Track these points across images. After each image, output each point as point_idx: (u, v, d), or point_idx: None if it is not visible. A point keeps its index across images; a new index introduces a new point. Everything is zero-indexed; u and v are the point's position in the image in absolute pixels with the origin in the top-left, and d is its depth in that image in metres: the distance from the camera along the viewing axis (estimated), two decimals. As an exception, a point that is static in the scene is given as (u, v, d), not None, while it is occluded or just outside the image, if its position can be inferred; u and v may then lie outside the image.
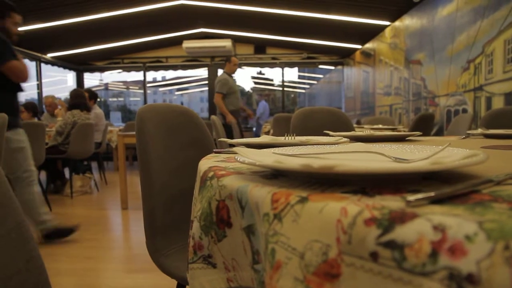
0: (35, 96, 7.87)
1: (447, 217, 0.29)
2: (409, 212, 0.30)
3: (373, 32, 6.53)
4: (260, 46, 8.49)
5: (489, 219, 0.28)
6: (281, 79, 9.02)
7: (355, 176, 0.44)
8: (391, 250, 0.29)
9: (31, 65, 7.53)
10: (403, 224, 0.29)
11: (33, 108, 5.02)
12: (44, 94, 7.60)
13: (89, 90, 5.29)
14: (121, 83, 15.30)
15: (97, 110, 5.24)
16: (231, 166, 0.63)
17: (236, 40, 8.01)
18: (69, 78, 10.37)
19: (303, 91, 16.67)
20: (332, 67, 9.56)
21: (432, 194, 0.34)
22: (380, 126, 3.65)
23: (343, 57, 8.61)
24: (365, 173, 0.40)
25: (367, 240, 0.30)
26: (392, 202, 0.34)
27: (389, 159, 0.53)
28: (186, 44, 7.63)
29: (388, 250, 0.29)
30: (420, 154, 0.56)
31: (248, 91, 13.67)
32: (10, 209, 0.57)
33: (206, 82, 9.08)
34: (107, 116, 10.19)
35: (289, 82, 14.44)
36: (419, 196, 0.33)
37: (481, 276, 0.24)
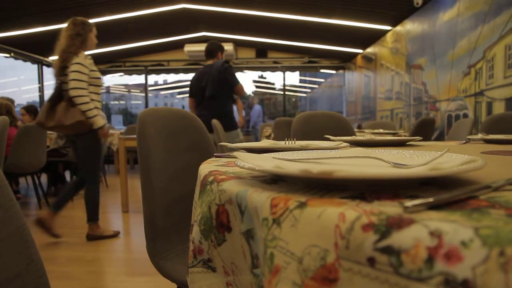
0: (37, 99, 7.89)
1: (443, 223, 0.29)
2: (406, 218, 0.31)
3: (375, 37, 6.55)
4: (262, 50, 8.51)
5: (485, 225, 0.28)
6: (282, 83, 9.04)
7: (354, 182, 0.44)
8: (388, 256, 0.29)
9: (32, 68, 7.57)
10: (400, 230, 0.29)
11: (34, 111, 5.04)
12: (46, 97, 7.63)
13: None
14: (122, 87, 15.34)
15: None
16: (231, 170, 0.63)
17: (237, 44, 8.04)
18: (70, 81, 10.38)
19: (304, 95, 16.68)
20: (334, 71, 9.58)
21: (429, 200, 0.34)
22: (381, 130, 3.65)
23: (344, 62, 8.62)
24: (364, 178, 0.41)
25: (364, 245, 0.31)
26: (390, 208, 0.34)
27: (388, 164, 0.53)
28: (188, 47, 7.65)
29: (385, 256, 0.29)
30: (419, 160, 0.56)
31: (249, 95, 13.70)
32: (11, 212, 0.57)
33: (208, 85, 9.08)
34: (108, 119, 10.22)
35: (291, 86, 14.47)
36: (417, 202, 0.33)
37: (476, 282, 0.25)
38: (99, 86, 2.76)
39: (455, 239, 0.27)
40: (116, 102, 17.35)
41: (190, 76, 5.14)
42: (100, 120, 2.66)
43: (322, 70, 9.23)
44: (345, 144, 0.97)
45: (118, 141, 5.55)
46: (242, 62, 8.53)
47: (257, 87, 14.05)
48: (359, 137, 1.47)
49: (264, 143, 1.00)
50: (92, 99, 2.65)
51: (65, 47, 2.67)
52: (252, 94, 13.42)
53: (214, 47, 3.72)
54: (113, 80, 16.72)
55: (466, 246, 0.26)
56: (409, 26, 5.31)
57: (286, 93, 9.25)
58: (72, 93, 2.57)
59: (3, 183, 0.58)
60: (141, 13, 5.93)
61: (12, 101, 5.06)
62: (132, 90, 15.29)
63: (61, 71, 2.66)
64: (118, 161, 5.34)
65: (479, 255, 0.25)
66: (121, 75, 9.16)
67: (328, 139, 1.28)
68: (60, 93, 2.68)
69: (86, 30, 2.76)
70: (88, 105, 2.60)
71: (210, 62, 3.66)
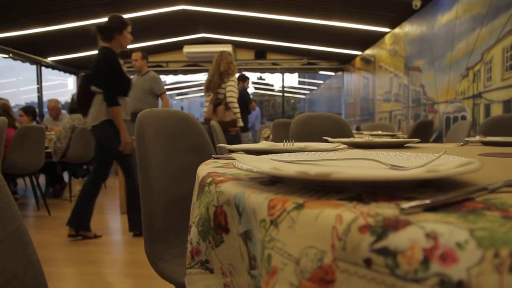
0: (35, 100, 7.89)
1: (439, 225, 0.29)
2: (403, 219, 0.31)
3: (373, 39, 6.56)
4: (261, 52, 8.52)
5: (480, 227, 0.28)
6: (281, 85, 9.05)
7: (351, 183, 0.45)
8: (384, 257, 0.29)
9: (31, 69, 7.56)
10: (396, 232, 0.30)
11: (32, 112, 5.04)
12: (44, 97, 7.63)
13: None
14: (121, 87, 15.27)
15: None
16: (229, 172, 0.63)
17: (236, 45, 8.05)
18: (69, 82, 10.41)
19: (303, 96, 16.70)
20: (332, 73, 9.60)
21: (426, 201, 0.34)
22: (380, 132, 3.66)
23: (343, 63, 8.64)
24: (361, 180, 0.41)
25: (361, 246, 0.31)
26: (387, 210, 0.34)
27: (385, 166, 0.53)
28: (187, 49, 7.66)
29: (381, 257, 0.30)
30: (416, 162, 0.56)
31: (248, 96, 13.71)
32: (9, 213, 0.57)
33: (206, 87, 9.09)
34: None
35: (289, 87, 14.48)
36: (413, 203, 0.33)
37: (471, 283, 0.25)
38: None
39: (450, 240, 0.27)
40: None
41: (189, 77, 5.16)
42: (241, 121, 3.87)
43: (321, 72, 9.25)
44: (343, 146, 0.98)
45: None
46: (241, 64, 8.53)
47: (256, 88, 14.07)
48: (357, 139, 1.47)
49: (263, 144, 1.01)
50: (238, 106, 3.84)
51: (224, 70, 3.78)
52: (251, 96, 13.44)
53: None
54: (112, 81, 16.65)
55: (461, 248, 0.26)
56: (408, 28, 5.32)
57: (285, 94, 9.26)
58: (229, 99, 3.72)
59: (1, 184, 0.58)
60: (140, 14, 5.94)
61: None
62: (131, 91, 15.25)
63: (218, 86, 3.78)
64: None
65: (474, 256, 0.25)
66: (119, 76, 9.14)
67: (327, 141, 1.28)
68: (216, 100, 3.82)
69: (232, 60, 3.89)
70: (238, 109, 3.78)
71: None
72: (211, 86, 3.86)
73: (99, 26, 2.93)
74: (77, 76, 8.92)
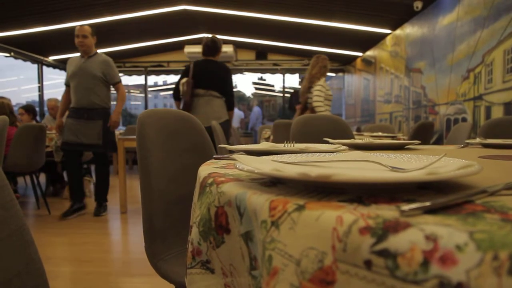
0: (36, 99, 7.89)
1: (439, 227, 0.29)
2: (403, 221, 0.31)
3: (374, 40, 6.57)
4: (262, 52, 8.53)
5: (480, 229, 0.29)
6: (282, 85, 9.05)
7: (352, 185, 0.45)
8: (384, 259, 0.30)
9: (32, 68, 7.57)
10: (397, 233, 0.30)
11: (33, 110, 5.05)
12: (46, 96, 7.63)
13: None
14: (122, 87, 15.27)
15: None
16: (231, 172, 0.63)
17: (237, 45, 8.05)
18: (70, 81, 10.38)
19: (303, 97, 16.64)
20: (333, 74, 9.59)
21: (426, 204, 0.34)
22: (380, 133, 3.66)
23: (344, 64, 8.64)
24: (361, 182, 0.41)
25: (361, 248, 0.31)
26: (387, 211, 0.35)
27: (385, 168, 0.53)
28: (188, 49, 7.66)
29: (381, 259, 0.30)
30: (416, 164, 0.56)
31: (249, 97, 13.71)
32: (11, 212, 0.58)
33: (207, 87, 9.09)
34: (107, 119, 10.17)
35: (290, 88, 14.44)
36: (413, 206, 0.34)
37: (470, 285, 0.25)
38: (330, 100, 3.92)
39: (450, 243, 0.27)
40: (115, 102, 17.32)
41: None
42: None
43: (321, 73, 9.23)
44: (343, 147, 0.98)
45: (117, 142, 5.54)
46: (242, 64, 8.54)
47: (256, 89, 14.06)
48: (358, 140, 1.48)
49: (263, 145, 1.01)
50: (326, 110, 3.84)
51: (314, 74, 3.84)
52: (251, 96, 13.42)
53: None
54: (112, 80, 16.66)
55: (461, 250, 0.27)
56: (409, 30, 5.33)
57: (286, 95, 9.26)
58: (315, 104, 3.78)
59: (3, 183, 0.58)
60: (141, 14, 5.94)
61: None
62: (131, 91, 15.27)
63: (308, 90, 3.88)
64: (117, 162, 5.33)
65: (473, 258, 0.26)
66: (121, 76, 9.16)
67: (327, 142, 1.28)
68: (305, 104, 3.95)
69: (327, 63, 3.90)
70: (322, 113, 3.74)
71: None
72: (303, 91, 4.01)
73: (213, 43, 3.56)
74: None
